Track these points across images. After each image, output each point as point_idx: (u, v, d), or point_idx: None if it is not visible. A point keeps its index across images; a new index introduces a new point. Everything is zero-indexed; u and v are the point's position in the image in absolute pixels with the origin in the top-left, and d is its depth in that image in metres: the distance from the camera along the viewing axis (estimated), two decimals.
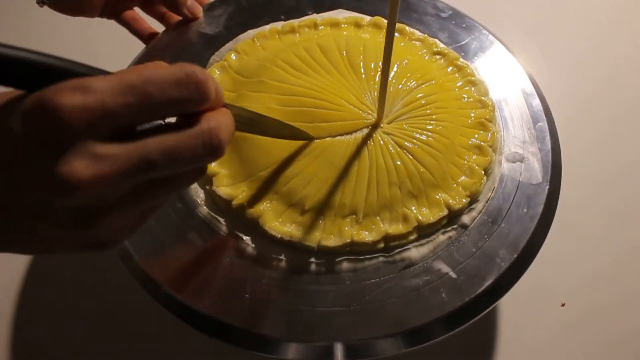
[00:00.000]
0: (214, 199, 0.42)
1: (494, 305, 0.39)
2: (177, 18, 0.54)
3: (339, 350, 0.37)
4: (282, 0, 0.55)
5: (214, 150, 0.25)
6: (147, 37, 0.55)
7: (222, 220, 0.41)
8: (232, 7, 0.54)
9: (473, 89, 0.47)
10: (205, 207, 0.42)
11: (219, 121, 0.25)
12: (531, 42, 0.71)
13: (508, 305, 0.53)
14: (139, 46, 0.54)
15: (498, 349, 0.51)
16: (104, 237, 0.26)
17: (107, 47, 0.66)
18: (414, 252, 0.40)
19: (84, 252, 0.28)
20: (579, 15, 0.75)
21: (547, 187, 0.43)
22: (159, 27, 0.56)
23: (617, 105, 0.66)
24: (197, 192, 0.43)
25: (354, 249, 0.40)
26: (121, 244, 0.28)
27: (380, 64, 0.46)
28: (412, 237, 0.40)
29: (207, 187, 0.42)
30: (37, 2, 0.50)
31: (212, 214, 0.42)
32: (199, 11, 0.53)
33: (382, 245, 0.40)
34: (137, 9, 0.57)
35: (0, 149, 0.24)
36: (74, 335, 0.52)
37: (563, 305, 0.53)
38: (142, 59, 0.50)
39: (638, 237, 0.57)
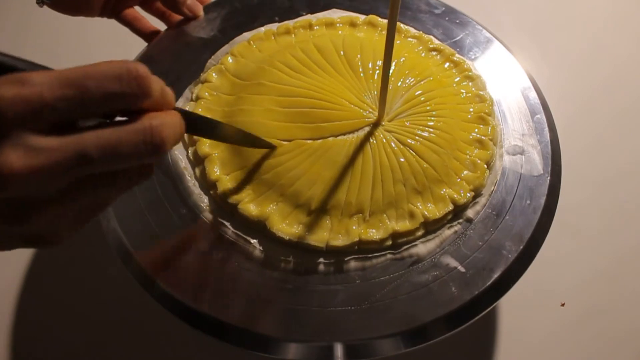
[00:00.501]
0: (219, 204, 0.42)
1: (501, 297, 0.39)
2: (178, 16, 0.54)
3: (339, 350, 0.37)
4: (275, 2, 0.55)
5: (155, 147, 0.25)
6: (148, 35, 0.55)
7: (227, 224, 0.41)
8: (225, 10, 0.54)
9: (470, 83, 0.48)
10: (209, 212, 0.42)
11: (163, 120, 0.25)
12: (531, 42, 0.71)
13: (508, 305, 0.53)
14: (139, 46, 0.53)
15: (498, 349, 0.51)
16: (43, 232, 0.26)
17: (108, 47, 0.66)
18: (421, 248, 0.40)
19: (26, 247, 0.27)
20: (579, 15, 0.75)
21: (549, 178, 0.43)
22: (160, 25, 0.56)
23: (617, 105, 0.66)
24: (201, 198, 0.42)
25: (362, 248, 0.40)
26: (64, 240, 0.27)
27: (379, 62, 0.46)
28: (419, 234, 0.40)
29: (212, 192, 0.42)
30: (37, 2, 0.50)
31: (218, 218, 0.42)
32: (199, 10, 0.53)
33: (389, 242, 0.40)
34: (137, 8, 0.57)
35: None
36: (74, 336, 0.52)
37: (563, 305, 0.53)
38: (141, 60, 0.50)
39: (638, 237, 0.57)
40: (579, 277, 0.54)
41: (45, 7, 0.50)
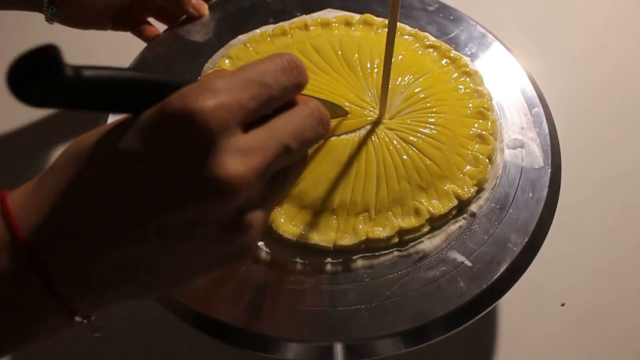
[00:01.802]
0: None
1: (509, 290, 0.40)
2: None
3: (339, 350, 0.37)
4: (268, 4, 0.55)
5: (325, 125, 0.26)
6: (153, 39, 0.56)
7: None
8: (218, 14, 0.54)
9: (468, 79, 0.48)
10: None
11: (315, 100, 0.27)
12: (531, 41, 0.71)
13: (508, 305, 0.52)
14: (140, 45, 0.53)
15: (498, 349, 0.50)
16: (251, 241, 0.26)
17: (107, 46, 0.65)
18: (427, 244, 0.41)
19: (221, 270, 0.27)
20: (579, 15, 0.75)
21: (549, 170, 0.44)
22: None
23: (617, 105, 0.66)
24: None
25: (369, 246, 0.40)
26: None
27: (377, 61, 0.47)
28: (425, 230, 0.40)
29: None
30: (46, 20, 0.50)
31: None
32: (205, 8, 0.53)
33: (396, 240, 0.40)
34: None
35: (119, 177, 0.23)
36: (74, 339, 0.51)
37: (563, 305, 0.52)
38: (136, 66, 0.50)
39: (638, 237, 0.57)
40: (579, 277, 0.54)
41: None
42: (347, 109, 0.43)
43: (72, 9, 0.50)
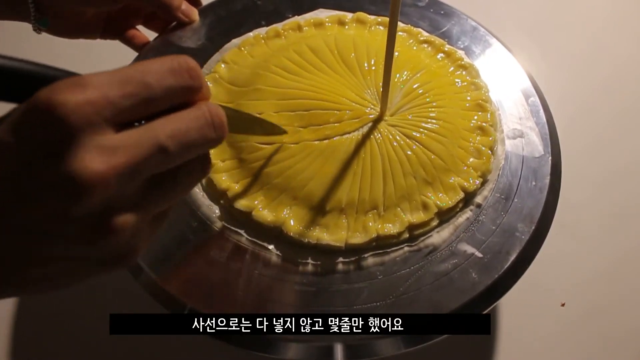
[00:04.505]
0: (230, 213, 0.41)
1: (520, 278, 0.40)
2: None
3: (339, 350, 0.37)
4: (259, 6, 0.54)
5: (219, 130, 0.25)
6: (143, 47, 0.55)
7: (242, 232, 0.41)
8: (210, 18, 0.54)
9: (464, 72, 0.48)
10: (222, 222, 0.41)
11: (213, 105, 0.25)
12: (531, 42, 0.71)
13: (508, 305, 0.52)
14: (127, 54, 0.53)
15: (498, 349, 0.51)
16: (122, 248, 0.24)
17: (103, 54, 0.64)
18: (436, 238, 0.41)
19: (99, 275, 0.25)
20: (579, 15, 0.75)
21: (550, 158, 0.45)
22: None
23: (617, 105, 0.66)
24: (211, 209, 0.42)
25: (380, 243, 0.40)
26: (137, 258, 0.26)
27: (373, 59, 0.47)
28: (434, 224, 0.41)
29: (222, 201, 0.42)
30: (34, 30, 0.49)
31: (231, 227, 0.41)
32: (195, 14, 0.53)
33: (407, 235, 0.40)
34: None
35: None
36: (72, 329, 0.51)
37: (563, 305, 0.52)
38: None
39: (638, 237, 0.57)
40: (579, 277, 0.54)
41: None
42: (284, 128, 0.39)
43: (60, 18, 0.50)
